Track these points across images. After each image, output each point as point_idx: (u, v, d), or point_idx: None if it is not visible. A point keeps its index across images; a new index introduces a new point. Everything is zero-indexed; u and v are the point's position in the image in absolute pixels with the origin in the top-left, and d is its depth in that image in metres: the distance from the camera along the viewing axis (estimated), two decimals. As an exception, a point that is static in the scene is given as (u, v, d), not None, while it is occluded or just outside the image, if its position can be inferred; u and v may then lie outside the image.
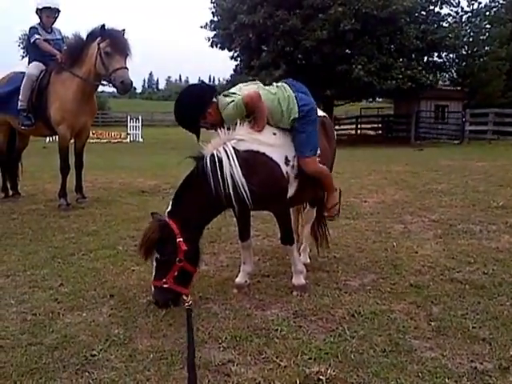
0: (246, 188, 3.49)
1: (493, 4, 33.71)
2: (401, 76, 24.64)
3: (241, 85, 4.03)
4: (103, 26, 6.92)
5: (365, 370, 2.74)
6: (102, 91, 56.95)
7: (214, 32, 29.82)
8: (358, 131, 35.73)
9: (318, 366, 2.78)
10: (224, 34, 28.74)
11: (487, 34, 32.38)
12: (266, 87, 4.02)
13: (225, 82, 33.36)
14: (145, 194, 8.63)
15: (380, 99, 42.57)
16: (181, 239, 3.53)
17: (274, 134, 3.83)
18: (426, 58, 28.87)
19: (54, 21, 7.88)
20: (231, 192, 3.50)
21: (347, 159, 10.99)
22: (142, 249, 3.56)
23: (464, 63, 31.34)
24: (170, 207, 3.66)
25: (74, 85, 7.22)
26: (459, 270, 4.41)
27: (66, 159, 7.57)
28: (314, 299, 3.78)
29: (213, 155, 3.57)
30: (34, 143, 13.95)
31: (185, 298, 3.56)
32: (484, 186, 8.61)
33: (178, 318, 3.41)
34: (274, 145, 3.73)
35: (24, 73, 7.55)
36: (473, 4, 32.59)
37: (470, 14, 32.76)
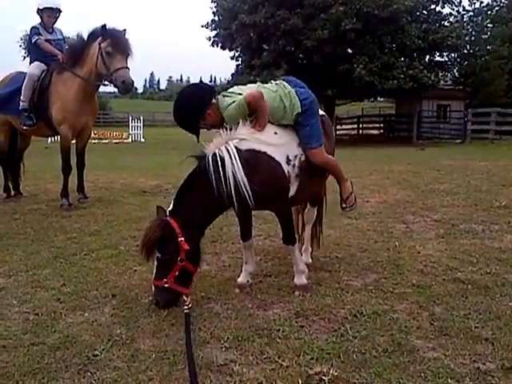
0: (248, 187, 3.48)
1: (495, 3, 33.75)
2: (402, 76, 24.63)
3: (240, 86, 4.04)
4: (104, 25, 6.92)
5: (367, 370, 2.74)
6: (104, 91, 57.18)
7: (215, 32, 29.84)
8: (360, 131, 35.74)
9: (320, 366, 2.77)
10: (225, 33, 28.74)
11: (489, 33, 32.43)
12: (266, 85, 4.02)
13: (226, 82, 33.37)
14: (146, 194, 8.63)
15: (381, 99, 42.61)
16: (182, 238, 3.51)
17: (276, 133, 3.83)
18: (427, 58, 28.86)
19: (55, 21, 7.88)
20: (233, 191, 3.49)
21: (349, 159, 11.00)
22: (143, 248, 3.54)
23: (466, 62, 31.33)
24: (171, 206, 3.64)
25: (76, 85, 7.22)
26: (462, 270, 4.40)
27: (68, 159, 7.58)
28: (315, 299, 3.78)
29: (215, 154, 3.56)
30: (36, 143, 13.99)
31: (185, 298, 3.54)
32: (486, 186, 8.60)
33: (180, 318, 3.40)
34: (275, 144, 3.72)
35: (25, 73, 7.56)
36: (474, 3, 32.70)
37: (471, 13, 32.83)
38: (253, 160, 3.58)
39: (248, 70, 27.88)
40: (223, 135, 3.65)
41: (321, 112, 4.35)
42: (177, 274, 3.56)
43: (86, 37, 7.24)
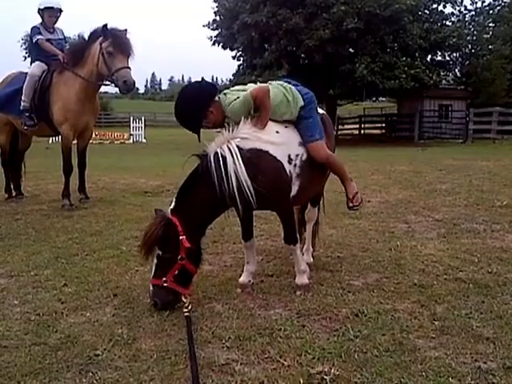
0: (251, 186, 3.48)
1: (496, 2, 33.73)
2: (404, 75, 24.63)
3: (241, 86, 4.05)
4: (105, 25, 6.92)
5: (368, 370, 2.73)
6: (106, 92, 57.25)
7: (217, 31, 29.84)
8: (362, 131, 35.73)
9: (321, 365, 2.77)
10: (227, 33, 28.75)
11: (491, 33, 32.44)
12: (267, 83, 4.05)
13: (227, 83, 33.40)
14: (148, 194, 8.64)
15: (383, 99, 42.59)
16: (183, 237, 3.50)
17: (277, 131, 3.82)
18: (429, 57, 28.90)
19: (56, 20, 7.87)
20: (235, 190, 3.48)
21: (351, 159, 11.01)
22: (144, 246, 3.51)
23: (467, 62, 31.37)
24: (173, 204, 3.63)
25: (77, 85, 7.22)
26: (463, 270, 4.40)
27: (69, 159, 7.58)
28: (317, 299, 3.78)
29: (217, 153, 3.55)
30: (37, 144, 14.00)
31: (184, 299, 3.52)
32: (488, 186, 8.60)
33: (182, 318, 3.40)
34: (277, 143, 3.71)
35: (26, 73, 7.56)
36: (476, 2, 32.67)
37: (473, 12, 32.81)
38: (255, 159, 3.58)
39: (250, 70, 27.89)
40: (225, 134, 3.65)
41: (321, 111, 4.35)
42: (176, 272, 3.54)
43: (87, 37, 7.24)
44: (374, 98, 38.45)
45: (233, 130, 3.66)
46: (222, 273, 4.47)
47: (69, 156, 7.55)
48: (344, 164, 4.26)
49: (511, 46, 29.96)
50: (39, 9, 7.70)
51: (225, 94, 3.88)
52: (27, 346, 3.08)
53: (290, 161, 3.78)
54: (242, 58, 30.95)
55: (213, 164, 3.51)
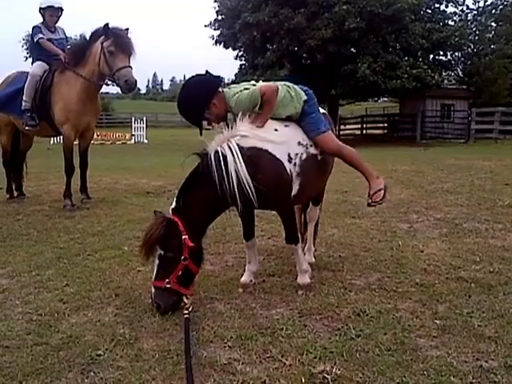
0: (251, 185, 3.47)
1: (499, 2, 33.67)
2: (406, 75, 24.60)
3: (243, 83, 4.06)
4: (107, 24, 6.90)
5: (370, 369, 2.73)
6: (107, 92, 57.27)
7: (219, 31, 29.85)
8: (364, 131, 35.72)
9: (323, 364, 2.77)
10: (228, 33, 28.76)
11: (493, 32, 32.41)
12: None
13: (230, 82, 33.40)
14: (150, 194, 8.63)
15: (385, 98, 42.57)
16: (186, 236, 3.48)
17: (276, 129, 3.81)
18: (431, 57, 28.85)
19: (58, 20, 7.85)
20: (236, 189, 3.47)
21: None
22: (145, 246, 3.47)
23: (470, 62, 31.35)
24: (173, 204, 3.61)
25: (78, 84, 7.20)
26: (465, 269, 4.40)
27: (71, 160, 7.57)
28: (319, 298, 3.78)
29: (217, 152, 3.54)
30: (39, 144, 13.99)
31: (185, 301, 3.49)
32: (490, 185, 8.59)
33: (183, 319, 3.40)
34: (276, 141, 3.70)
35: (27, 73, 7.55)
36: (478, 2, 32.64)
37: (475, 12, 32.78)
38: (255, 158, 3.56)
39: (251, 70, 27.93)
40: (225, 132, 3.64)
41: (322, 110, 4.35)
42: (180, 273, 3.51)
43: (88, 37, 7.24)
44: (376, 98, 38.43)
45: (232, 128, 3.65)
46: (224, 273, 4.48)
47: (70, 156, 7.54)
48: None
49: (514, 45, 29.95)
50: (40, 8, 7.67)
51: (229, 87, 3.89)
52: (29, 346, 3.08)
53: (289, 160, 3.76)
54: (243, 58, 30.97)
55: (213, 162, 3.50)
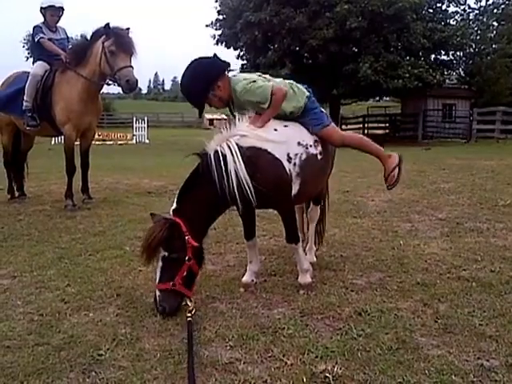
0: (251, 185, 3.47)
1: (501, 1, 33.61)
2: (408, 75, 24.61)
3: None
4: (108, 24, 6.89)
5: (371, 368, 2.73)
6: (108, 92, 57.28)
7: (220, 31, 29.86)
8: (365, 131, 35.65)
9: (324, 364, 2.77)
10: (230, 32, 28.78)
11: (495, 32, 32.36)
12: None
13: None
14: (151, 194, 8.63)
15: (387, 98, 42.53)
16: (189, 237, 3.47)
17: (275, 129, 3.81)
18: (433, 57, 28.85)
19: (59, 20, 7.84)
20: (235, 189, 3.47)
21: (354, 158, 10.95)
22: (148, 249, 3.42)
23: (471, 61, 31.33)
24: (174, 205, 3.60)
25: (79, 84, 7.19)
26: (466, 268, 4.40)
27: (72, 160, 7.56)
28: (320, 298, 3.78)
29: (216, 152, 3.53)
30: (40, 145, 14.02)
31: (188, 303, 3.47)
32: (491, 185, 8.59)
33: (185, 317, 3.40)
34: (276, 141, 3.70)
35: (28, 72, 7.54)
36: (480, 1, 32.62)
37: (477, 11, 32.76)
38: (254, 157, 3.56)
39: (253, 70, 27.89)
40: (224, 132, 3.64)
41: (322, 110, 4.37)
42: (184, 274, 3.48)
43: (89, 36, 7.23)
44: (378, 98, 38.40)
45: (231, 128, 3.66)
46: (225, 272, 4.48)
47: (72, 156, 7.54)
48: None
49: (515, 44, 29.90)
50: (41, 7, 7.67)
51: (234, 75, 3.94)
52: (30, 346, 3.08)
53: (289, 160, 3.76)
54: (245, 58, 30.97)
55: (213, 162, 3.50)
